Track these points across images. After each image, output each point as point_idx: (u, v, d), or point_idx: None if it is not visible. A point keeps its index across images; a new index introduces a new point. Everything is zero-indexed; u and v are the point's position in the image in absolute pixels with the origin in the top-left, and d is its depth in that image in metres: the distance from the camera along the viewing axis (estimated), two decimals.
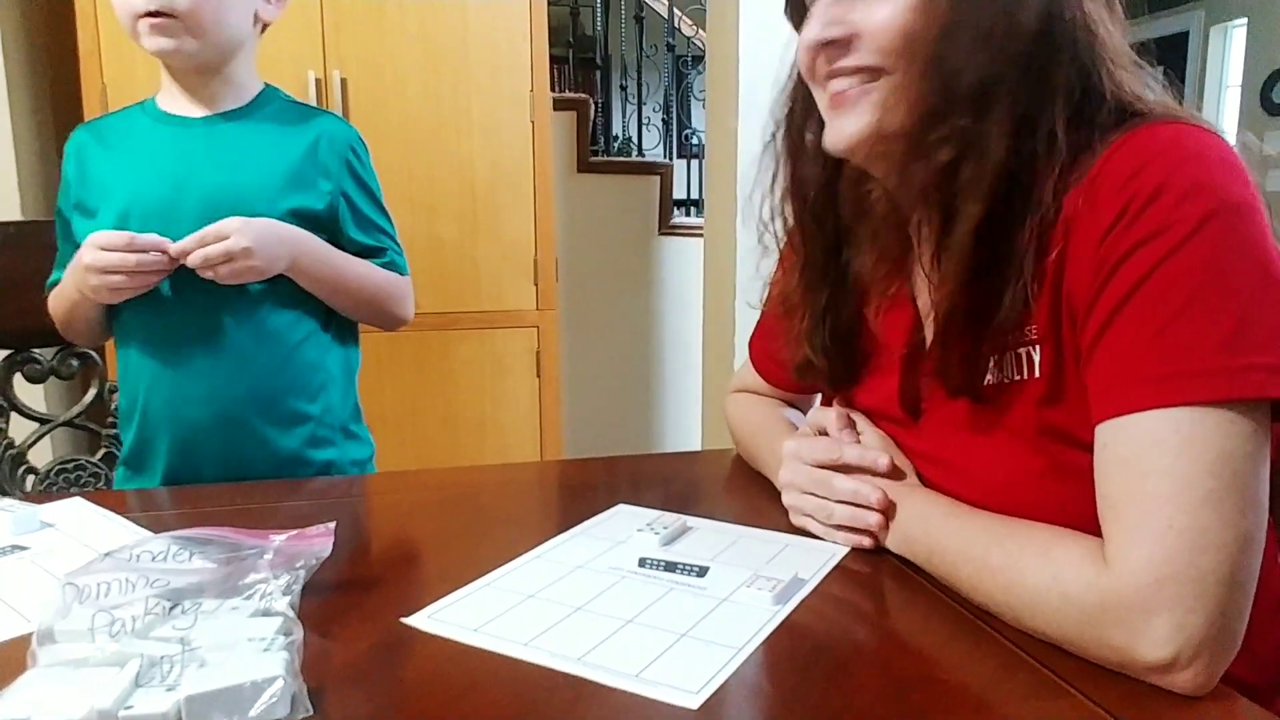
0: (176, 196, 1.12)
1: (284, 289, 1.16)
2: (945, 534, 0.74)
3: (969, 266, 0.70)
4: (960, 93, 0.68)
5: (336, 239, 1.20)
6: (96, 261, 1.05)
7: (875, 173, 0.80)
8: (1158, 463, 0.60)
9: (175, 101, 1.17)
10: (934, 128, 0.70)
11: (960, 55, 0.68)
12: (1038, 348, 0.70)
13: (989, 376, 0.74)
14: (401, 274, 1.28)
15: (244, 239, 1.06)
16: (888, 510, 0.80)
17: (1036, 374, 0.71)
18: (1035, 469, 0.72)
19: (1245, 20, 5.88)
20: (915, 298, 0.85)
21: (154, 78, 1.18)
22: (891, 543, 0.80)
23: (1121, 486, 0.62)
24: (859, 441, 0.86)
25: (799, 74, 0.82)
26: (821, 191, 0.85)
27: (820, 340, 0.88)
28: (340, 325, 1.25)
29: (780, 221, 0.89)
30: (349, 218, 1.21)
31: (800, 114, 0.85)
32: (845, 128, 0.75)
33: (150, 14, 1.07)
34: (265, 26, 1.21)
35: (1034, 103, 0.68)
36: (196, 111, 1.17)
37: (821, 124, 0.80)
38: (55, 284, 1.19)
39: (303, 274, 1.14)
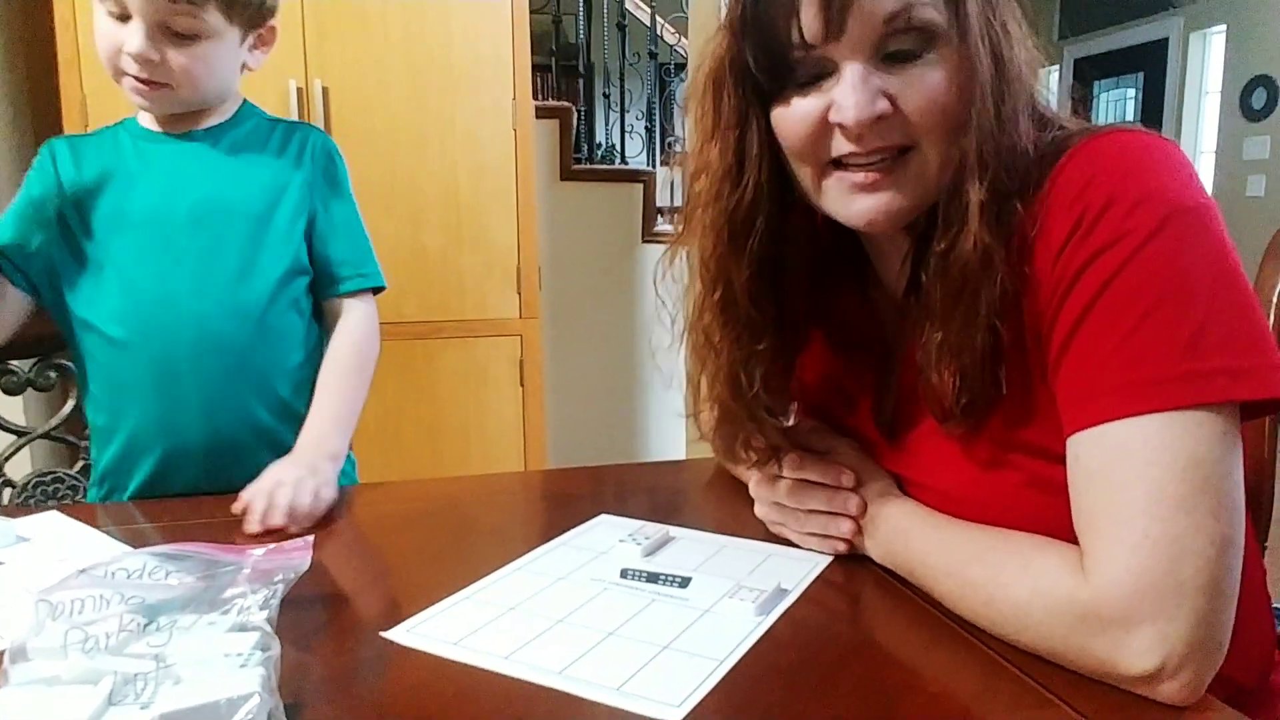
0: (166, 206, 1.11)
1: (281, 309, 1.15)
2: (925, 549, 0.73)
3: (978, 308, 0.68)
4: (973, 156, 0.66)
5: (324, 249, 1.19)
6: None
7: (881, 235, 0.78)
8: (1128, 473, 0.60)
9: (156, 121, 1.16)
10: (956, 194, 0.67)
11: (982, 121, 0.66)
12: (1002, 366, 0.70)
13: (962, 396, 0.72)
14: (379, 288, 1.24)
15: (308, 465, 1.00)
16: (863, 518, 0.80)
17: (1004, 391, 0.70)
18: (1011, 483, 0.71)
19: (1224, 27, 5.94)
20: (881, 327, 0.85)
21: None
22: (874, 554, 0.80)
23: (1095, 498, 0.62)
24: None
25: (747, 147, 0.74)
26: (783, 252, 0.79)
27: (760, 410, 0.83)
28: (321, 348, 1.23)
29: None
30: (330, 230, 1.20)
31: (764, 199, 0.76)
32: (875, 206, 0.70)
33: (139, 79, 1.06)
34: None
35: (1004, 140, 0.67)
36: (179, 128, 1.15)
37: (791, 204, 0.77)
38: None
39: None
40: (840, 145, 0.69)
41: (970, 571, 0.68)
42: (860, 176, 0.70)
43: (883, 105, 0.66)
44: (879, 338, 0.86)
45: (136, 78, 1.06)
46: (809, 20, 0.67)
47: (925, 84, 0.67)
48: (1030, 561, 0.65)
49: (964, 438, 0.74)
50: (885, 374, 0.85)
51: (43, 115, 2.34)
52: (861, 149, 0.68)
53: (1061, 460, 0.66)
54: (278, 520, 0.91)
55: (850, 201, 0.71)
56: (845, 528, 0.80)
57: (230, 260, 1.13)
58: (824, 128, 0.69)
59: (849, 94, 0.66)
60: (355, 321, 1.20)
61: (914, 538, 0.75)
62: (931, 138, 0.68)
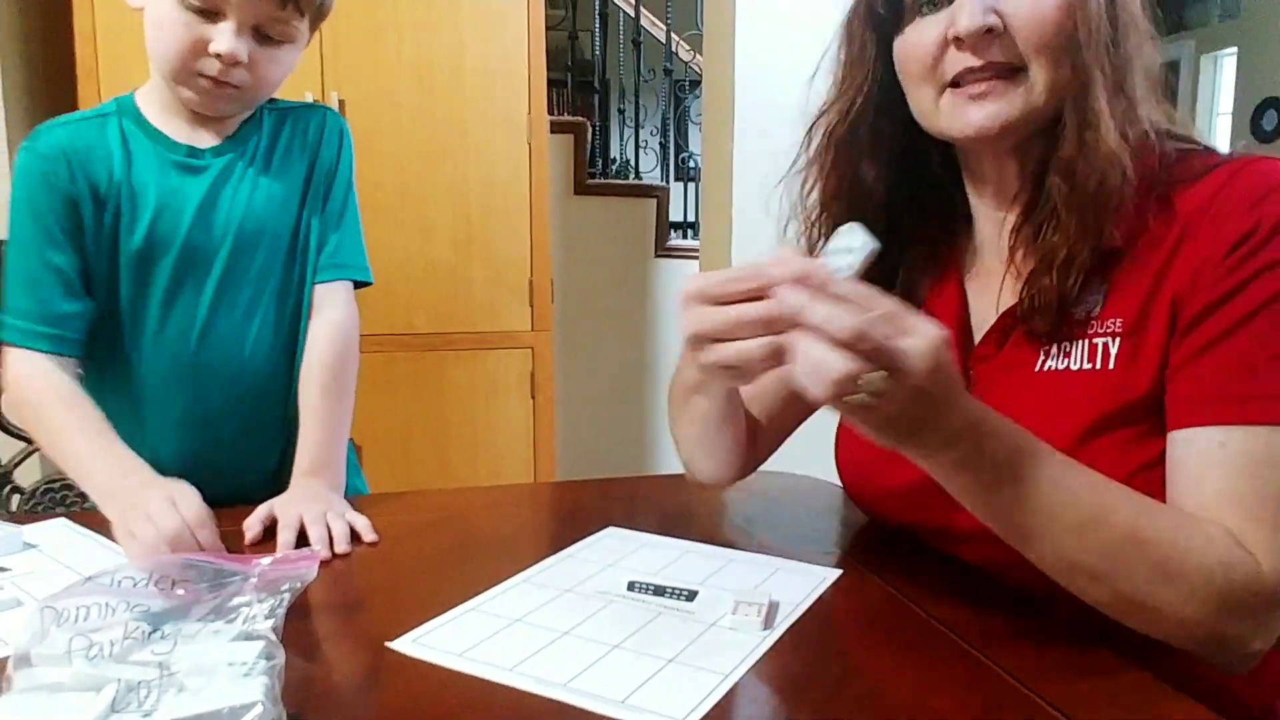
0: (208, 234, 1.07)
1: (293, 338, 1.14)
2: (1050, 460, 0.64)
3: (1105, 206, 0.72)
4: (1085, 77, 0.72)
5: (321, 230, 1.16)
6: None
7: (992, 150, 0.80)
8: None
9: (177, 124, 1.09)
10: (1081, 103, 0.72)
11: (1090, 44, 0.71)
12: (1117, 340, 0.72)
13: (1051, 362, 0.75)
14: (361, 282, 1.19)
15: (324, 499, 0.99)
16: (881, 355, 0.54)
17: (1111, 366, 0.72)
18: (1074, 438, 0.71)
19: (1235, 49, 5.93)
20: (965, 281, 0.86)
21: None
22: (904, 427, 0.59)
23: (1260, 489, 0.65)
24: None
25: (858, 80, 0.83)
26: (885, 195, 0.85)
27: None
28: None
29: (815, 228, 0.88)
30: (323, 215, 1.16)
31: (867, 118, 0.84)
32: (986, 114, 0.75)
33: (217, 80, 1.02)
34: None
35: (1122, 74, 0.73)
36: (203, 137, 1.10)
37: (897, 124, 0.82)
38: (22, 334, 1.02)
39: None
40: (956, 62, 0.75)
41: (1121, 505, 0.65)
42: (974, 88, 0.75)
43: (993, 19, 0.72)
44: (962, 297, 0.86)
45: (214, 79, 1.01)
46: None
47: (1031, 1, 0.72)
48: (1194, 521, 0.65)
49: (1044, 399, 0.74)
50: (966, 326, 0.85)
51: None
52: (976, 61, 0.74)
53: (1142, 437, 0.70)
54: (343, 548, 0.90)
55: (964, 113, 0.76)
56: (837, 365, 0.54)
57: (271, 288, 1.12)
58: (942, 48, 0.75)
59: (964, 5, 0.72)
60: (332, 321, 1.14)
61: (1025, 438, 0.64)
62: (1041, 58, 0.72)
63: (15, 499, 1.33)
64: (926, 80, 0.77)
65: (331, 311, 1.15)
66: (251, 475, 1.09)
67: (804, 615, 0.74)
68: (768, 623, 0.71)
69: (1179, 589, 0.63)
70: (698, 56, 4.16)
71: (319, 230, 1.15)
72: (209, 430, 1.11)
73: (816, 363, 0.53)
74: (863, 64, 0.83)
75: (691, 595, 0.77)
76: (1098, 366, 0.72)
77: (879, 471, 0.86)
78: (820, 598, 0.77)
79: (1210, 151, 0.76)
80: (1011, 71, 0.74)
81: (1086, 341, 0.74)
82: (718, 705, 0.60)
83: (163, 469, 1.05)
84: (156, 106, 1.09)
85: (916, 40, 0.77)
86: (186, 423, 1.10)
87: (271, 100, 1.16)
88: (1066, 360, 0.74)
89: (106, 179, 1.05)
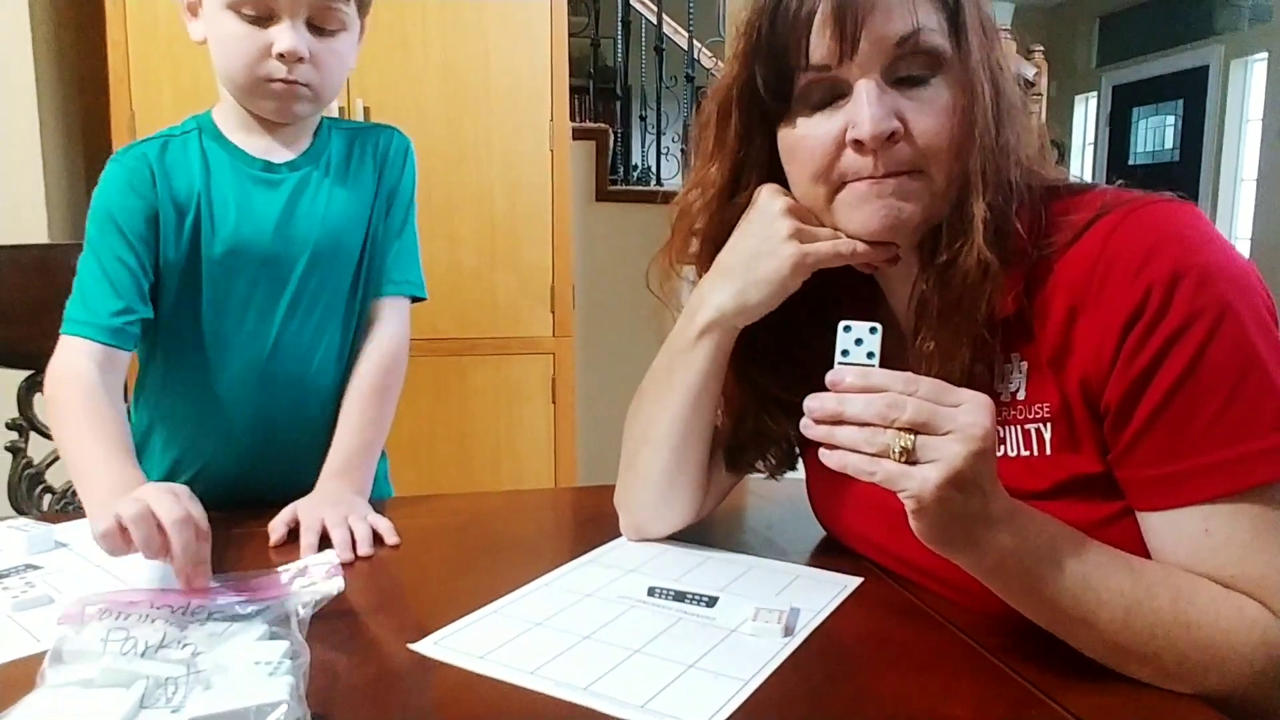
0: (285, 250, 1.09)
1: (334, 346, 1.15)
2: (1088, 544, 0.65)
3: (974, 316, 0.70)
4: (977, 176, 0.69)
5: (372, 248, 1.17)
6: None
7: (888, 253, 0.77)
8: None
9: (253, 140, 1.11)
10: (960, 210, 0.70)
11: (976, 149, 0.69)
12: (1049, 425, 0.70)
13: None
14: (417, 297, 1.21)
15: (347, 502, 1.00)
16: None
17: (1048, 452, 0.70)
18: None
19: (1266, 54, 5.88)
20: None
21: (182, 105, 1.16)
22: (954, 509, 0.60)
23: (1265, 563, 0.64)
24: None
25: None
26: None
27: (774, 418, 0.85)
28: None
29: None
30: (386, 232, 1.18)
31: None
32: (886, 210, 0.71)
33: (286, 80, 1.03)
34: None
35: (1003, 164, 0.70)
36: (278, 152, 1.12)
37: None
38: (79, 325, 1.02)
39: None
40: (854, 165, 0.71)
41: (1155, 595, 0.64)
42: (870, 184, 0.71)
43: (896, 124, 0.68)
44: None
45: (284, 80, 1.03)
46: (823, 42, 0.69)
47: (933, 107, 0.69)
48: (1225, 598, 0.64)
49: None
50: None
51: (92, 132, 2.40)
52: (875, 169, 0.70)
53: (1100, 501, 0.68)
54: (365, 551, 0.91)
55: (862, 209, 0.72)
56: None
57: (340, 303, 1.13)
58: (838, 148, 0.71)
59: (865, 109, 0.68)
60: (387, 334, 1.16)
61: (1078, 541, 0.66)
62: (938, 161, 0.70)
63: (47, 499, 1.35)
64: (819, 181, 0.73)
65: (387, 326, 1.17)
66: (305, 483, 1.07)
67: (825, 623, 0.74)
68: (788, 630, 0.71)
69: (1224, 672, 0.63)
70: (719, 63, 4.16)
71: (381, 245, 1.17)
72: (270, 439, 1.12)
73: (883, 446, 0.59)
74: (751, 157, 0.77)
75: (712, 601, 0.77)
76: (1035, 453, 0.71)
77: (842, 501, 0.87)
78: (841, 605, 0.77)
79: (1088, 190, 0.73)
80: (911, 174, 0.70)
81: (1019, 428, 0.72)
82: (737, 711, 0.60)
83: (221, 473, 1.08)
84: (231, 123, 1.11)
85: (809, 137, 0.72)
86: (250, 430, 1.12)
87: (339, 120, 1.19)
88: (1002, 447, 0.72)
89: (187, 190, 1.07)
